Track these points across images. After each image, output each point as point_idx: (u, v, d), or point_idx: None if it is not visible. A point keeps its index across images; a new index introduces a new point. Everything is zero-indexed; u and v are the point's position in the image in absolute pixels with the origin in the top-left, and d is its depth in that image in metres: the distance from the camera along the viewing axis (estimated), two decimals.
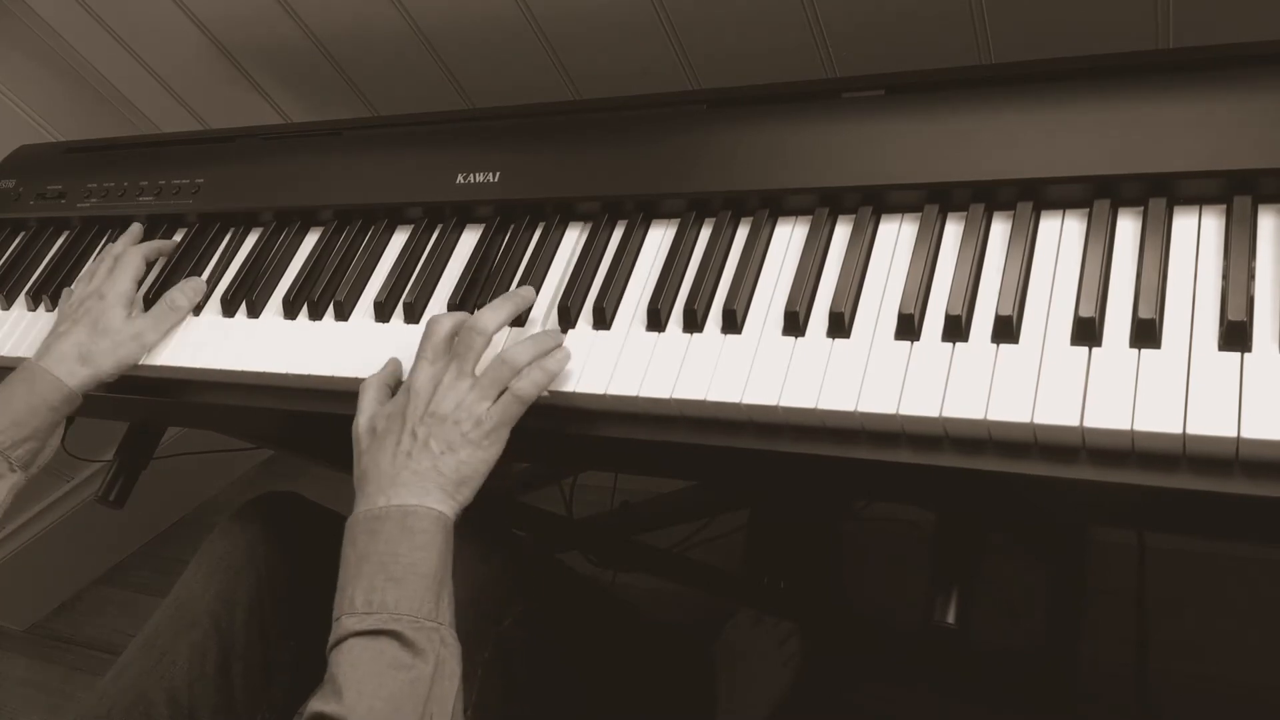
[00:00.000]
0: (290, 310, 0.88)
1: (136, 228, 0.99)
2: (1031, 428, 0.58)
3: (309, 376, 0.82)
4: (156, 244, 0.96)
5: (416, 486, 0.68)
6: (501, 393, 0.71)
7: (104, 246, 1.03)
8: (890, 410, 0.61)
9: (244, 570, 0.95)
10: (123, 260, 0.92)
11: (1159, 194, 0.64)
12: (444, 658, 0.64)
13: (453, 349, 0.72)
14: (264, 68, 1.33)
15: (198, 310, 0.92)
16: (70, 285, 1.00)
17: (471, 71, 1.22)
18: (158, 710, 0.88)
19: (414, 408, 0.70)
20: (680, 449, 0.69)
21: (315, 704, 0.61)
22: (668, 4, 1.04)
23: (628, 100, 0.89)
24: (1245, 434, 0.53)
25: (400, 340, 0.81)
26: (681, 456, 0.69)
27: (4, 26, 1.38)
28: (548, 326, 0.77)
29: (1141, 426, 0.55)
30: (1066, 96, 0.69)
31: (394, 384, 0.76)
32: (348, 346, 0.83)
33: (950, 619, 0.67)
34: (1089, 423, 0.56)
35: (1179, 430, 0.54)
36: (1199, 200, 0.64)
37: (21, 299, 1.03)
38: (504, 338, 0.77)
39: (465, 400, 0.70)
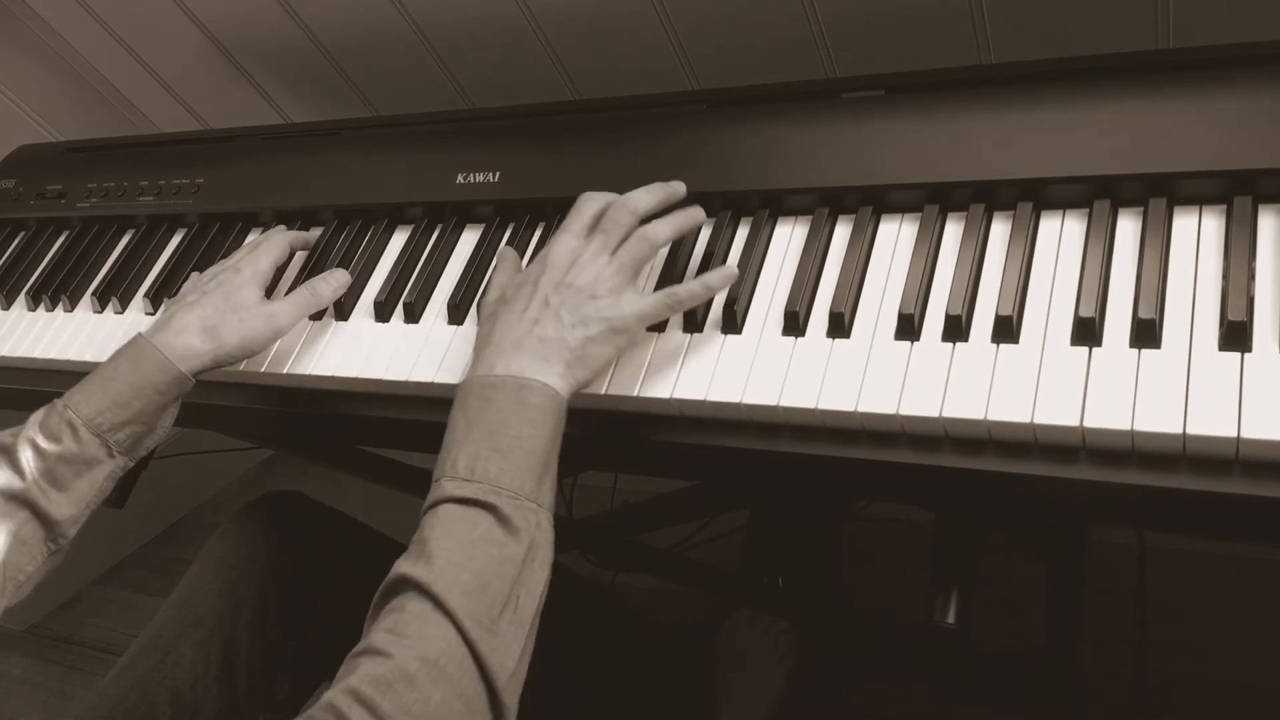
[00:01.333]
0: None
1: (281, 226, 0.93)
2: (1031, 428, 0.58)
3: (308, 376, 0.82)
4: (303, 234, 0.90)
5: (538, 355, 0.65)
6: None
7: (106, 244, 1.03)
8: (890, 410, 0.61)
9: (247, 570, 0.95)
10: (268, 241, 0.86)
11: (1159, 194, 0.64)
12: (538, 541, 0.61)
13: (599, 225, 0.70)
14: (264, 68, 1.33)
15: None
16: (69, 289, 1.00)
17: (471, 71, 1.22)
18: (160, 710, 0.88)
19: (550, 275, 0.67)
20: (680, 449, 0.69)
21: (403, 564, 0.58)
22: (668, 4, 1.04)
23: (628, 100, 0.89)
24: (1245, 434, 0.53)
25: (400, 340, 0.81)
26: (681, 456, 0.69)
27: (4, 26, 1.38)
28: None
29: (1141, 426, 0.55)
30: (1066, 96, 0.69)
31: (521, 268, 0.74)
32: (348, 346, 0.83)
33: (950, 619, 0.68)
34: (1089, 423, 0.56)
35: (1179, 430, 0.54)
36: (1199, 200, 0.64)
37: (21, 299, 1.03)
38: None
39: (604, 274, 0.67)
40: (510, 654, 0.57)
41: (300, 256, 0.93)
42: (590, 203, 0.72)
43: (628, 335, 0.67)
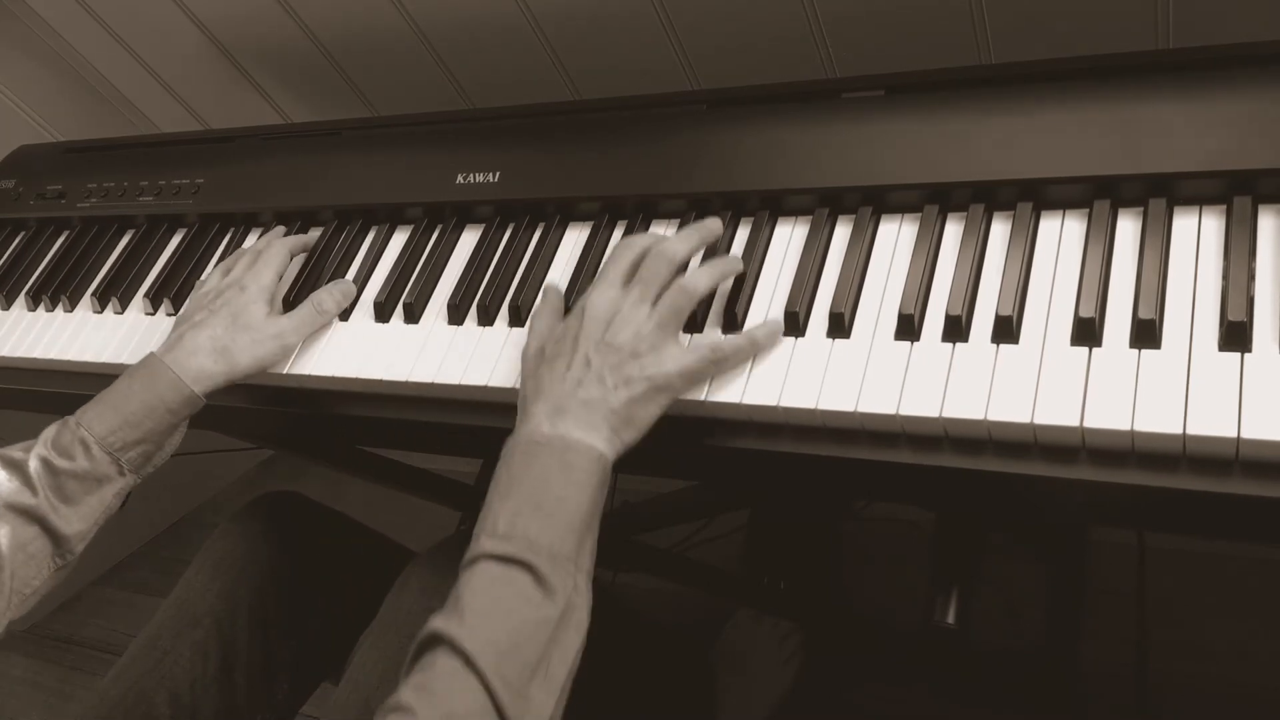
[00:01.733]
0: (290, 310, 0.88)
1: (280, 229, 0.93)
2: (1031, 428, 0.58)
3: (308, 377, 0.82)
4: (301, 238, 0.90)
5: (584, 419, 0.63)
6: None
7: (106, 244, 1.03)
8: (890, 410, 0.61)
9: (246, 570, 0.95)
10: (267, 253, 0.86)
11: (1159, 194, 0.64)
12: (575, 604, 0.59)
13: (637, 275, 0.68)
14: (264, 68, 1.33)
15: None
16: (69, 289, 1.00)
17: (471, 71, 1.22)
18: (159, 710, 0.88)
19: (589, 332, 0.66)
20: (681, 449, 0.69)
21: (437, 621, 0.58)
22: (668, 4, 1.04)
23: (628, 100, 0.89)
24: (1245, 434, 0.53)
25: (400, 340, 0.81)
26: (682, 456, 0.69)
27: (4, 26, 1.38)
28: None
29: (1141, 427, 0.55)
30: (1066, 96, 0.69)
31: (562, 313, 0.72)
32: (348, 346, 0.83)
33: (950, 619, 0.68)
34: (1089, 423, 0.56)
35: (1179, 430, 0.54)
36: (1199, 200, 0.64)
37: (21, 299, 1.03)
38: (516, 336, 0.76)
39: (644, 331, 0.66)
40: (539, 718, 0.56)
41: (300, 261, 0.93)
42: (628, 250, 0.70)
43: (672, 392, 0.66)
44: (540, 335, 0.70)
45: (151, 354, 0.78)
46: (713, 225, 0.74)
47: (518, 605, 0.58)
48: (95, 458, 0.74)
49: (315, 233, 0.93)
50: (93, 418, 0.75)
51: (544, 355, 0.68)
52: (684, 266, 0.71)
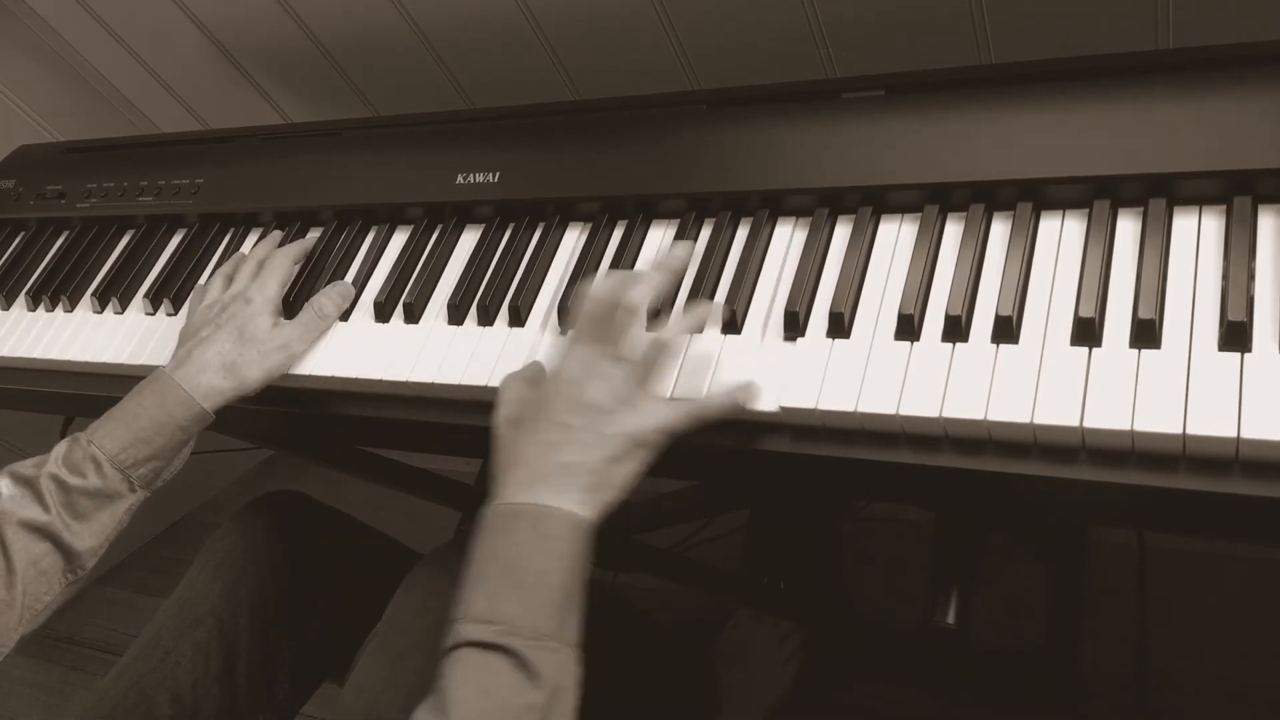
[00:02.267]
0: (290, 311, 0.88)
1: (277, 233, 0.93)
2: (1031, 428, 0.58)
3: (309, 377, 0.82)
4: (301, 245, 0.89)
5: (560, 483, 0.61)
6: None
7: (106, 244, 1.03)
8: (890, 410, 0.61)
9: (247, 570, 0.95)
10: (271, 263, 0.85)
11: (1159, 194, 0.64)
12: (562, 685, 0.58)
13: (607, 332, 0.66)
14: (264, 68, 1.33)
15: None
16: (69, 289, 1.00)
17: (471, 71, 1.22)
18: (160, 710, 0.88)
19: (563, 394, 0.64)
20: (680, 449, 0.69)
21: (422, 712, 0.57)
22: (668, 4, 1.04)
23: (628, 100, 0.89)
24: (1245, 434, 0.53)
25: (400, 340, 0.81)
26: (681, 456, 0.69)
27: (4, 26, 1.38)
28: (547, 326, 0.77)
29: (1141, 427, 0.55)
30: (1066, 96, 0.69)
31: (536, 381, 0.69)
32: (347, 346, 0.83)
33: (950, 619, 0.68)
34: (1089, 423, 0.56)
35: (1179, 430, 0.54)
36: (1199, 200, 0.64)
37: (21, 299, 1.03)
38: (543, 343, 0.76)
39: (618, 387, 0.64)
40: None
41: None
42: (593, 304, 0.66)
43: (652, 448, 0.64)
44: (512, 402, 0.67)
45: (160, 370, 0.78)
46: (681, 254, 0.72)
47: (503, 694, 0.56)
48: (107, 475, 0.74)
49: (314, 235, 0.93)
50: (104, 435, 0.75)
51: (517, 421, 0.65)
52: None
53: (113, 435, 0.75)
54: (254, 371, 0.79)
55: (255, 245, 0.92)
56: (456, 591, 0.61)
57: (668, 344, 0.66)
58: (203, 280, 0.92)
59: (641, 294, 0.67)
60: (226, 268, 0.87)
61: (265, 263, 0.86)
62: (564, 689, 0.58)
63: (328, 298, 0.84)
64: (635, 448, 0.63)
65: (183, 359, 0.79)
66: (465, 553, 0.62)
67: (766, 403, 0.65)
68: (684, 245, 0.73)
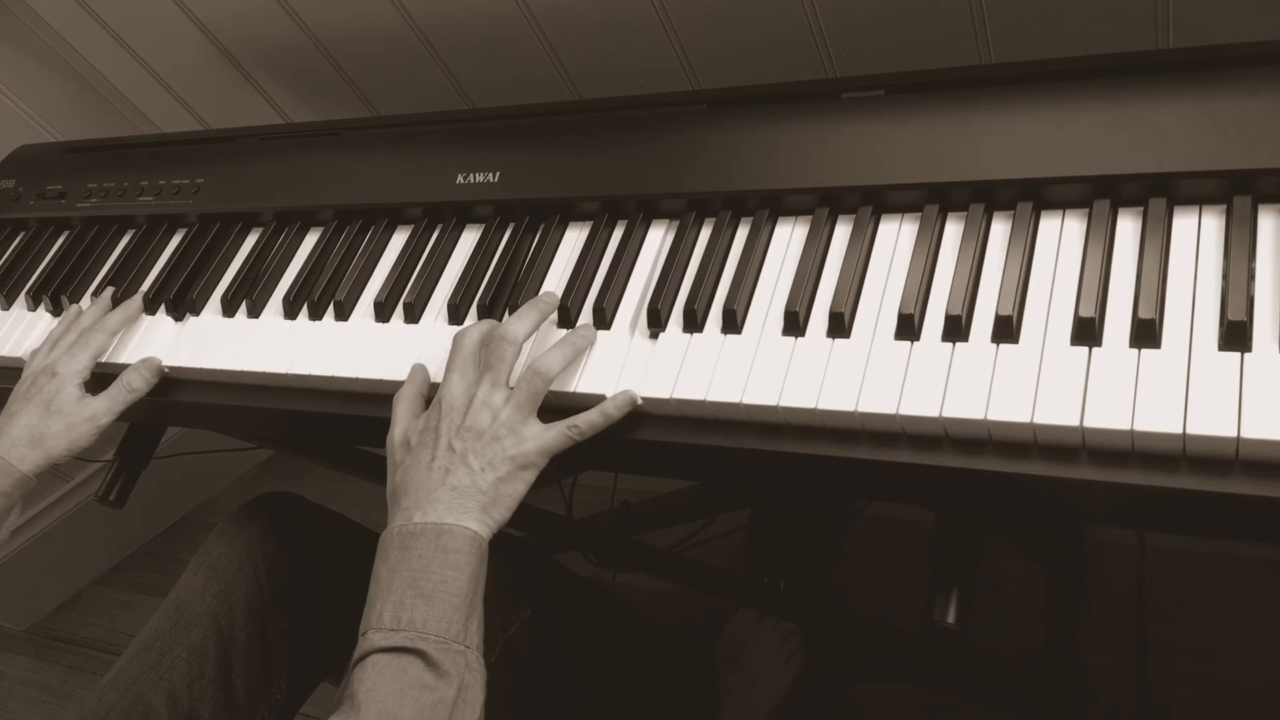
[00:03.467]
0: (290, 310, 0.88)
1: (107, 296, 0.94)
2: (1031, 428, 0.58)
3: (309, 376, 0.82)
4: (126, 313, 0.92)
5: (455, 504, 0.66)
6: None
7: (106, 244, 1.03)
8: (890, 410, 0.61)
9: (243, 571, 0.95)
10: (87, 336, 0.89)
11: (1159, 194, 0.64)
12: (468, 682, 0.62)
13: (484, 360, 0.71)
14: (264, 68, 1.33)
15: (197, 310, 0.92)
16: (69, 289, 1.00)
17: (471, 71, 1.22)
18: (157, 711, 0.88)
19: (449, 421, 0.69)
20: (680, 449, 0.69)
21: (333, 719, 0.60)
22: (668, 4, 1.04)
23: (628, 100, 0.89)
24: (1245, 434, 0.53)
25: (400, 340, 0.81)
26: (681, 456, 0.69)
27: (4, 26, 1.38)
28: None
29: (1141, 426, 0.55)
30: (1066, 96, 0.69)
31: (428, 394, 0.75)
32: (348, 346, 0.83)
33: (950, 619, 0.67)
34: (1089, 423, 0.56)
35: (1179, 430, 0.54)
36: (1199, 200, 0.64)
37: (21, 299, 1.03)
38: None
39: (502, 414, 0.68)
40: None
41: (300, 260, 0.93)
42: (467, 335, 0.72)
43: (535, 469, 0.69)
44: (403, 425, 0.72)
45: None
46: (549, 300, 0.76)
47: (413, 692, 0.60)
48: None
49: (177, 237, 0.97)
50: None
51: (410, 447, 0.70)
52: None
53: None
54: (59, 443, 0.84)
55: (88, 309, 0.93)
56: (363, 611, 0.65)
57: (541, 371, 0.70)
58: (36, 346, 0.95)
59: (520, 326, 0.72)
60: (56, 330, 0.92)
61: (85, 334, 0.89)
62: (469, 685, 0.62)
63: (137, 373, 0.87)
64: (521, 470, 0.68)
65: (0, 430, 0.84)
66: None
67: (589, 383, 0.70)
68: (551, 294, 0.77)
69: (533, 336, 0.74)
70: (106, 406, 0.86)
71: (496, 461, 0.67)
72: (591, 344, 0.73)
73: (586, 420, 0.69)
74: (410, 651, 0.61)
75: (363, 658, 0.62)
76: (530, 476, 0.69)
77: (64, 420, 0.84)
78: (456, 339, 0.72)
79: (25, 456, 0.83)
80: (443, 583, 0.64)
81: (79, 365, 0.87)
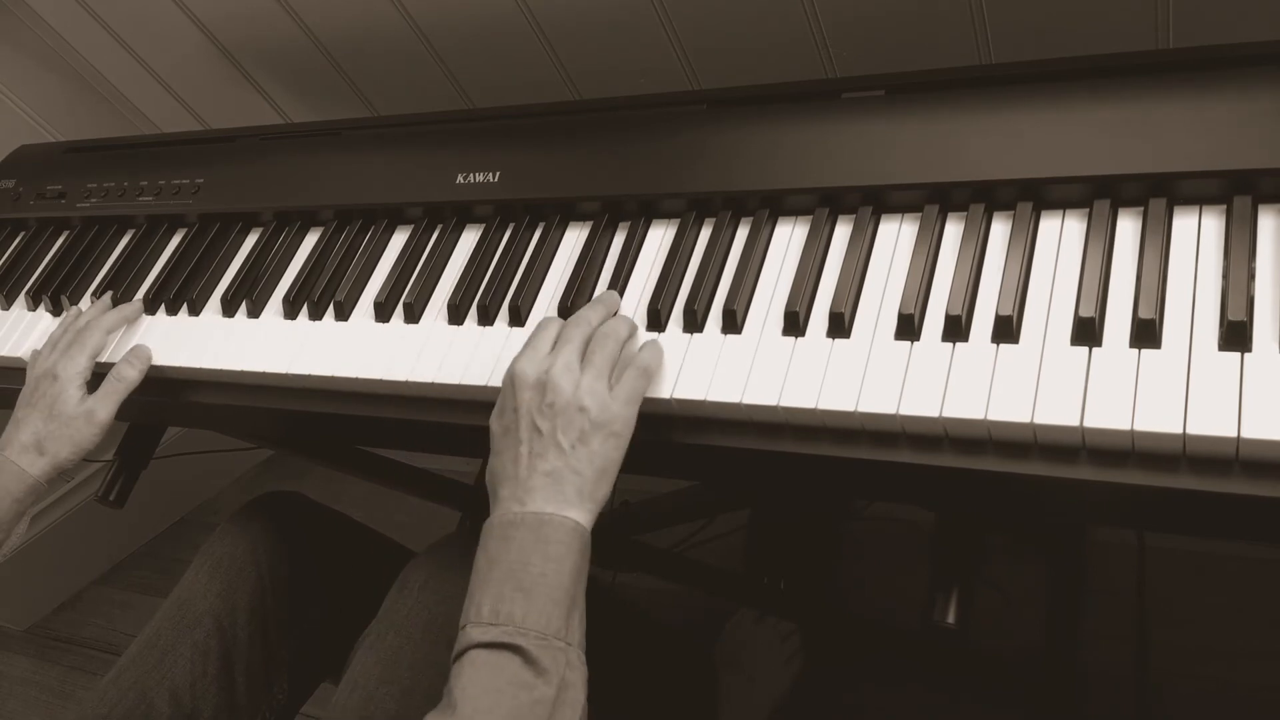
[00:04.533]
0: (290, 310, 0.88)
1: (106, 299, 0.95)
2: (1031, 428, 0.58)
3: (309, 376, 0.82)
4: (122, 314, 0.92)
5: (552, 490, 0.63)
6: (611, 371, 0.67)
7: (106, 244, 1.03)
8: (890, 410, 0.61)
9: (246, 570, 0.95)
10: (83, 336, 0.89)
11: (1159, 194, 0.64)
12: (569, 681, 0.59)
13: (561, 338, 0.69)
14: (264, 68, 1.33)
15: (197, 310, 0.92)
16: (69, 289, 1.00)
17: (471, 71, 1.22)
18: (159, 710, 0.88)
19: (528, 399, 0.65)
20: (680, 449, 0.69)
21: (431, 717, 0.58)
22: (668, 4, 1.04)
23: (628, 100, 0.89)
24: (1245, 434, 0.53)
25: (400, 340, 0.81)
26: (681, 456, 0.69)
27: (4, 26, 1.38)
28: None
29: (1142, 426, 0.55)
30: (1066, 96, 0.69)
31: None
32: (348, 346, 0.83)
33: (950, 619, 0.67)
34: (1089, 423, 0.56)
35: (1179, 430, 0.54)
36: (1199, 200, 0.64)
37: (21, 299, 1.03)
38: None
39: (584, 382, 0.65)
40: None
41: (300, 260, 0.93)
42: (550, 321, 0.71)
43: (626, 429, 0.65)
44: (501, 405, 0.68)
45: None
46: (611, 300, 0.75)
47: (511, 690, 0.57)
48: None
49: (177, 238, 0.98)
50: None
51: (504, 428, 0.67)
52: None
53: None
54: (64, 448, 0.85)
55: (87, 310, 0.94)
56: (462, 603, 0.62)
57: (620, 336, 0.69)
58: (36, 347, 0.95)
59: (594, 313, 0.71)
60: (55, 332, 0.91)
61: (80, 333, 0.89)
62: (570, 685, 0.59)
63: (128, 364, 0.87)
64: (614, 436, 0.65)
65: (6, 441, 0.85)
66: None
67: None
68: (614, 293, 0.76)
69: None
70: (104, 403, 0.86)
71: (587, 433, 0.64)
72: (618, 305, 0.75)
73: (650, 351, 0.68)
74: (508, 648, 0.59)
75: (461, 653, 0.60)
76: (625, 441, 0.65)
77: (67, 423, 0.85)
78: (536, 329, 0.71)
79: (34, 463, 0.84)
80: (542, 575, 0.61)
81: (79, 366, 0.87)
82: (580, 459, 0.64)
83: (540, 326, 0.70)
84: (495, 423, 0.67)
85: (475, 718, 0.56)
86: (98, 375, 0.87)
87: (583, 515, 0.63)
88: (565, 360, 0.66)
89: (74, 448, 0.85)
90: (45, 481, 0.85)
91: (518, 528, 0.62)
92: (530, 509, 0.63)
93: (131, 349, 0.89)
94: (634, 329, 0.72)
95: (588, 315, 0.70)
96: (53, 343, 0.90)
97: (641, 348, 0.69)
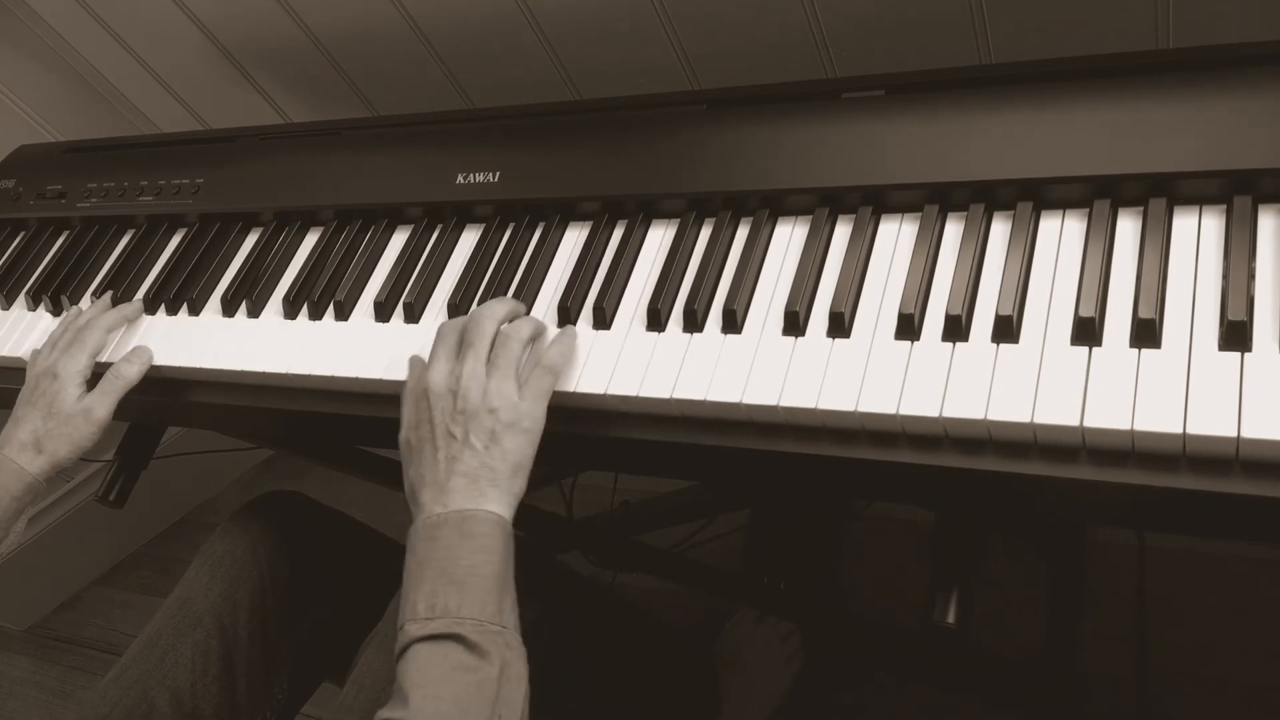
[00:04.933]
0: (290, 310, 0.88)
1: (106, 299, 0.95)
2: (1031, 428, 0.58)
3: (309, 376, 0.82)
4: (123, 313, 0.92)
5: (471, 489, 0.66)
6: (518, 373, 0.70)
7: (106, 244, 1.03)
8: (890, 410, 0.61)
9: (247, 570, 0.95)
10: (83, 335, 0.89)
11: (1159, 194, 0.64)
12: (509, 660, 0.62)
13: (464, 341, 0.71)
14: (264, 68, 1.33)
15: (197, 310, 0.92)
16: (69, 289, 1.00)
17: (471, 71, 1.22)
18: (160, 710, 0.88)
19: (441, 408, 0.68)
20: (680, 449, 0.69)
21: (384, 713, 0.60)
22: (668, 4, 1.04)
23: (628, 100, 0.89)
24: (1245, 434, 0.53)
25: (400, 340, 0.81)
26: (681, 456, 0.69)
27: (4, 26, 1.38)
28: (548, 326, 0.77)
29: (1142, 426, 0.55)
30: (1066, 96, 0.69)
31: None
32: (348, 346, 0.83)
33: (950, 619, 0.67)
34: (1089, 423, 0.56)
35: (1179, 430, 0.54)
36: (1199, 200, 0.64)
37: (21, 299, 1.03)
38: None
39: (490, 385, 0.68)
40: None
41: (300, 259, 0.93)
42: (448, 327, 0.73)
43: (539, 426, 0.68)
44: (406, 426, 0.71)
45: None
46: (518, 303, 0.77)
47: (457, 674, 0.60)
48: None
49: (177, 238, 0.98)
50: None
51: (410, 444, 0.70)
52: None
53: None
54: (63, 446, 0.84)
55: (87, 310, 0.94)
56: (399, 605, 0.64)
57: (520, 337, 0.71)
58: (36, 347, 0.95)
59: (497, 307, 0.73)
60: (55, 331, 0.91)
61: (80, 332, 0.89)
62: (511, 662, 0.62)
63: (128, 363, 0.88)
64: (525, 433, 0.68)
65: (5, 439, 0.85)
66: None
67: (590, 383, 0.70)
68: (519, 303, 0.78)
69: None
70: (102, 400, 0.86)
71: (498, 433, 0.67)
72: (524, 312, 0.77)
73: (556, 349, 0.71)
74: (448, 638, 0.61)
75: (403, 650, 0.62)
76: (537, 437, 0.68)
77: (65, 421, 0.85)
78: (438, 331, 0.73)
79: (33, 461, 0.84)
80: (472, 567, 0.64)
81: (79, 365, 0.87)
82: (495, 457, 0.66)
83: (440, 336, 0.72)
84: (411, 434, 0.70)
85: (427, 704, 0.59)
86: (98, 375, 0.87)
87: (503, 508, 0.66)
88: (470, 367, 0.69)
89: (72, 446, 0.85)
90: (44, 480, 0.84)
91: (442, 527, 0.65)
92: (453, 508, 0.65)
93: (133, 349, 0.89)
94: (538, 328, 0.74)
95: (495, 310, 0.73)
96: (53, 342, 0.90)
97: (550, 344, 0.72)
